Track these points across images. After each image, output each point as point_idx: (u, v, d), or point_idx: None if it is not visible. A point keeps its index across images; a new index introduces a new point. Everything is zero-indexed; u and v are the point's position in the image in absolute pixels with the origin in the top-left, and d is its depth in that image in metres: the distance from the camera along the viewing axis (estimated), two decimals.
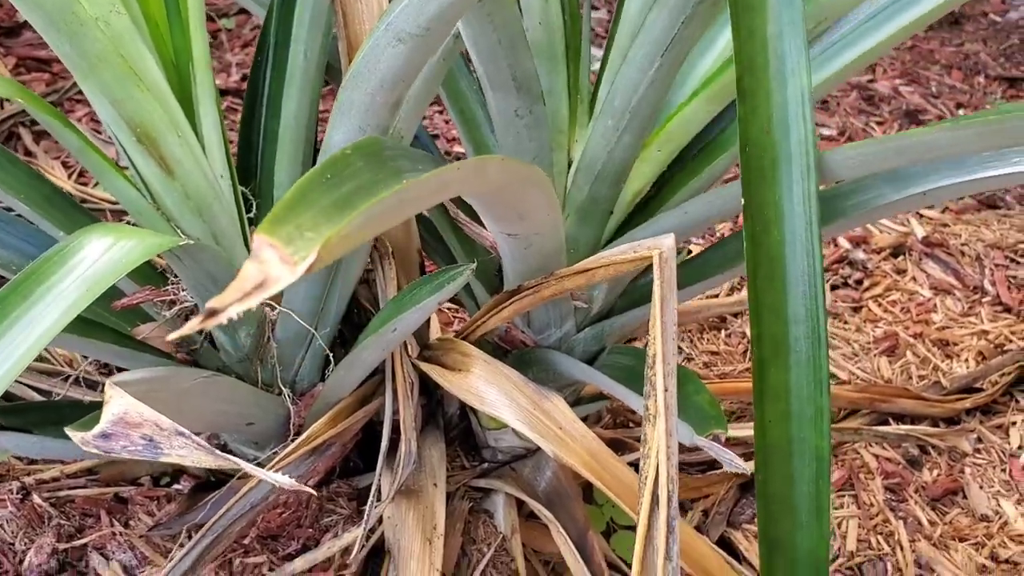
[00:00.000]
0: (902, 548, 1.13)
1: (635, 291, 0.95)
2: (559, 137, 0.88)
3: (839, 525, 1.14)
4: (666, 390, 0.64)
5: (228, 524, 0.86)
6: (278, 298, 0.87)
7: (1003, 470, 1.29)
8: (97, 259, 0.67)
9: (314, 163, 0.91)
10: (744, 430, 1.20)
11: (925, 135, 0.64)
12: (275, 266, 0.34)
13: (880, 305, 1.57)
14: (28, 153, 1.79)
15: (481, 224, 0.93)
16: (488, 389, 0.82)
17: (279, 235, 0.36)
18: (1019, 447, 1.33)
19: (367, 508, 0.85)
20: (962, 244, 1.79)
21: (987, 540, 1.14)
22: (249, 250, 0.86)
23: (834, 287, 1.61)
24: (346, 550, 0.91)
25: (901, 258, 1.72)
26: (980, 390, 1.39)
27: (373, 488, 0.86)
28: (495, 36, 0.68)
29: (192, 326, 0.33)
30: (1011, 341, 1.51)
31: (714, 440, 0.74)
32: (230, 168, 0.84)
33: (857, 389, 1.27)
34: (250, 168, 0.95)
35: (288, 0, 0.87)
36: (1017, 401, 1.41)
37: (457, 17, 0.62)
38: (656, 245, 0.65)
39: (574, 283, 0.75)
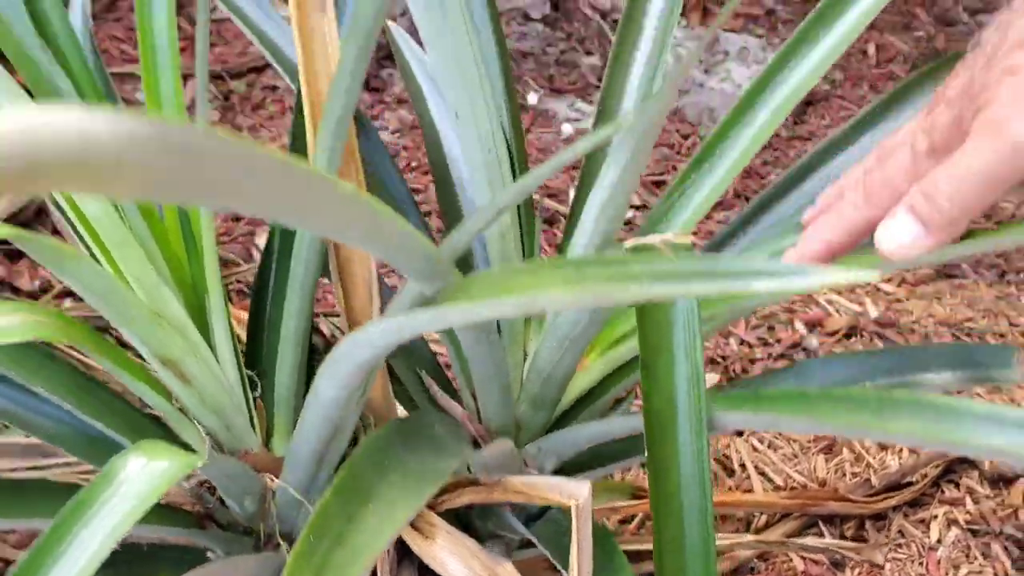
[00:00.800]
0: None
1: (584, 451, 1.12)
2: (517, 336, 1.04)
3: None
4: None
5: None
6: (277, 471, 1.05)
7: (920, 563, 1.46)
8: (134, 481, 0.84)
9: (312, 356, 1.07)
10: None
11: (797, 416, 0.80)
12: None
13: None
14: (55, 232, 1.95)
15: (456, 397, 1.10)
16: (450, 559, 0.99)
17: None
18: (938, 540, 1.50)
19: None
20: (912, 322, 1.94)
21: None
22: (254, 427, 1.04)
23: None
24: None
25: (854, 339, 1.88)
26: (910, 484, 1.55)
27: None
28: None
29: None
30: None
31: None
32: (240, 373, 1.00)
33: (790, 495, 1.44)
34: (258, 346, 1.11)
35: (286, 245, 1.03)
36: (943, 492, 1.58)
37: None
38: (575, 495, 0.82)
39: (516, 497, 0.92)
